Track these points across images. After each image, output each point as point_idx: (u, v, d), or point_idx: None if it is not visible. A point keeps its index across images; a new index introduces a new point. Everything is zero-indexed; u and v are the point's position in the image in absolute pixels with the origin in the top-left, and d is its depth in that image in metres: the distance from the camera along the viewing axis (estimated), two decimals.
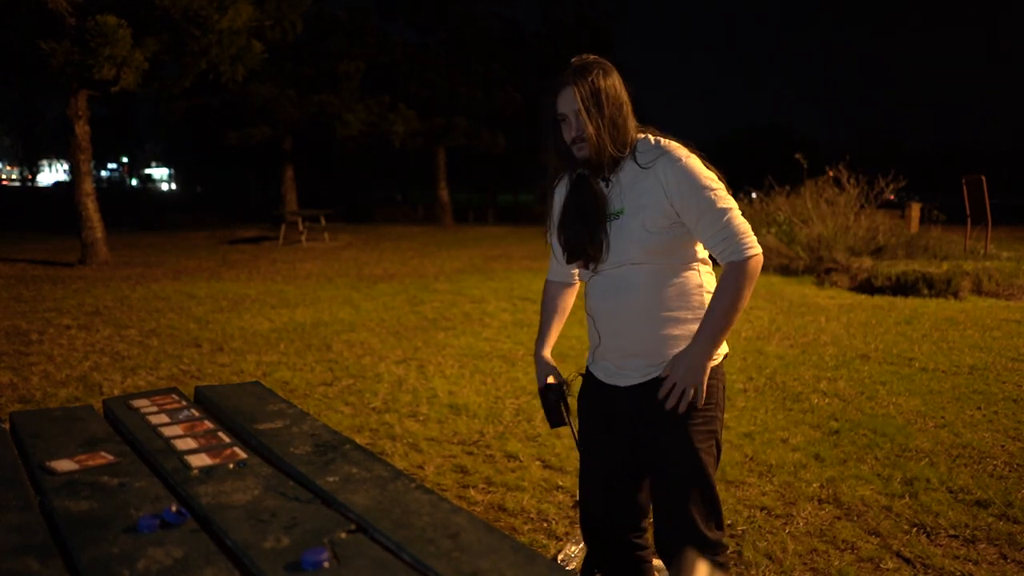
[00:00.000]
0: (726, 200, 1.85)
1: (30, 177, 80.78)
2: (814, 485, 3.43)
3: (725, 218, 1.83)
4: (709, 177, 1.85)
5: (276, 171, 24.74)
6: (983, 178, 13.49)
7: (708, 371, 1.87)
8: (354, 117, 22.12)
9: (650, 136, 1.93)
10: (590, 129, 1.82)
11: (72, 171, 12.54)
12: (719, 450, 1.97)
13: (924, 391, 4.98)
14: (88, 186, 12.39)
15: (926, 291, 8.98)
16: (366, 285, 10.15)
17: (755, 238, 1.87)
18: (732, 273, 1.84)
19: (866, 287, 9.58)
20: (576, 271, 2.14)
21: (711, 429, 1.94)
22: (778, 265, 11.62)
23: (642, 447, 1.97)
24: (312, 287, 9.90)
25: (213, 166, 45.10)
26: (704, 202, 1.82)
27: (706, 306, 1.94)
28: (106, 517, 1.10)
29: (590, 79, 1.82)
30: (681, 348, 1.93)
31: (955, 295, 8.85)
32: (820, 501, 3.27)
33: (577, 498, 2.72)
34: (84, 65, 11.03)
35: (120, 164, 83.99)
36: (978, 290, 9.18)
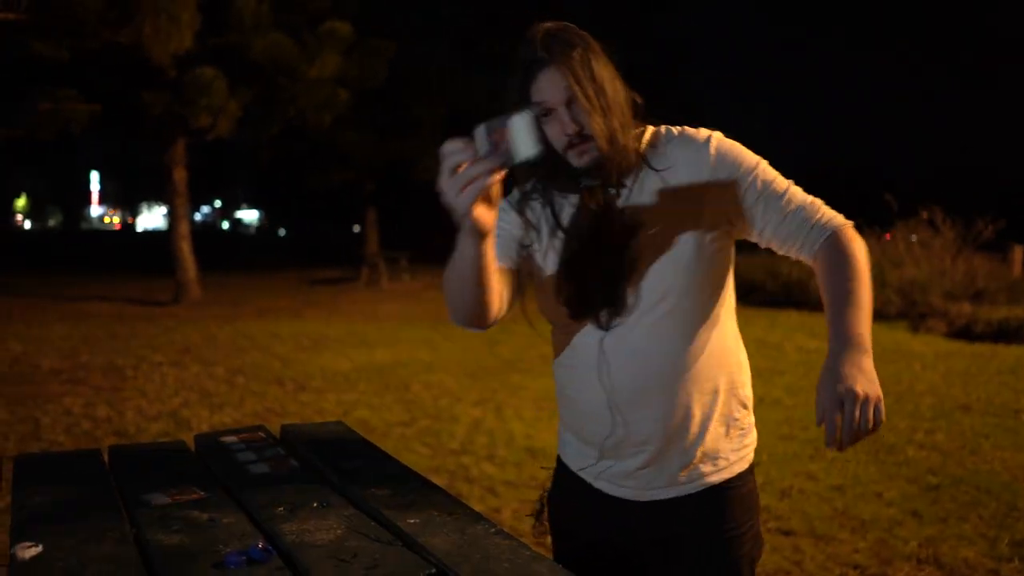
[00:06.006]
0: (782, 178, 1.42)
1: (131, 220, 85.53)
2: (912, 543, 3.24)
3: (800, 193, 1.40)
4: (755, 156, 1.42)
5: (358, 213, 25.45)
6: None
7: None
8: (435, 161, 22.60)
9: (669, 128, 1.43)
10: (597, 120, 1.30)
11: (169, 214, 13.22)
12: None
13: None
14: (184, 228, 13.03)
15: None
16: (445, 326, 10.25)
17: None
18: (842, 241, 1.35)
19: (964, 333, 9.13)
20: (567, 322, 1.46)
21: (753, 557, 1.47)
22: None
23: None
24: (392, 328, 10.06)
25: (298, 208, 46.82)
26: (766, 179, 1.38)
27: (733, 375, 1.45)
28: (195, 551, 1.13)
29: (576, 52, 1.31)
30: (713, 440, 1.42)
31: None
32: (919, 561, 3.08)
33: None
34: (182, 114, 11.71)
35: (213, 207, 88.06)
36: None
